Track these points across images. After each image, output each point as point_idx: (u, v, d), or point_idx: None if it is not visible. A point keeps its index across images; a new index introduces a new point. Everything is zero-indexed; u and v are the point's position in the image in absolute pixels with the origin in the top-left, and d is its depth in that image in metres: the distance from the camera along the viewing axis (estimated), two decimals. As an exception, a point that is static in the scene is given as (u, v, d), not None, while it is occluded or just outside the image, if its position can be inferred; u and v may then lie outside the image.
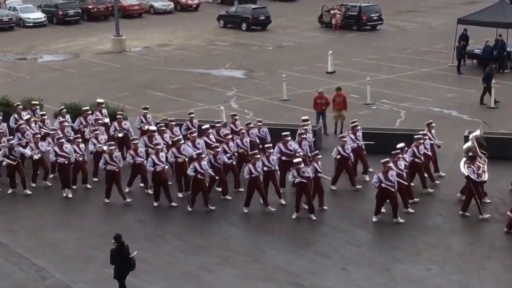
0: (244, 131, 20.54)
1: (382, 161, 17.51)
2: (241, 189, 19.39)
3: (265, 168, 18.44)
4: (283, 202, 18.77)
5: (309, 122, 21.03)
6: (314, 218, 17.88)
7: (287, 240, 17.10)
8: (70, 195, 19.80)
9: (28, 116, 22.38)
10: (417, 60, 34.91)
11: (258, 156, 18.49)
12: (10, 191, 20.27)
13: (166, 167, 19.15)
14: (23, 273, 15.96)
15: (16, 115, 22.61)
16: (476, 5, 44.93)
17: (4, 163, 20.26)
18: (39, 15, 48.95)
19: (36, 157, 20.15)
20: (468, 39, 32.80)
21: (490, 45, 31.59)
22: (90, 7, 50.50)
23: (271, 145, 19.48)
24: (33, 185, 20.52)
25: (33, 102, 23.72)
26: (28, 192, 20.16)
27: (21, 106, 23.11)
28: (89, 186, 20.31)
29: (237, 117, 21.75)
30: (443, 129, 22.54)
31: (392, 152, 18.00)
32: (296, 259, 16.16)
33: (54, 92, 30.23)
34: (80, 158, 20.00)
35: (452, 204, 18.41)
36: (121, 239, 14.24)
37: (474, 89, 28.95)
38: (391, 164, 17.41)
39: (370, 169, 19.93)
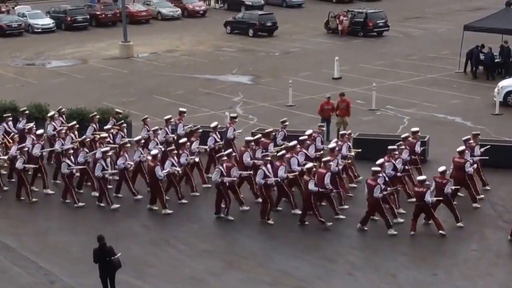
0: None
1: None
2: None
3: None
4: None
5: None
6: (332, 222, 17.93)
7: (292, 245, 17.16)
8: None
9: (109, 125, 21.79)
10: (423, 66, 34.98)
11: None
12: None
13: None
14: (30, 276, 16.08)
15: (94, 125, 22.08)
16: (481, 11, 45.01)
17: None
18: (47, 21, 49.22)
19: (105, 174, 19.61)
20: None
21: (492, 51, 31.66)
22: (98, 13, 50.77)
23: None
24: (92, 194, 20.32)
25: (117, 110, 23.22)
26: (50, 191, 20.40)
27: (98, 116, 22.60)
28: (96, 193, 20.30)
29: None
30: (446, 135, 22.62)
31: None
32: (301, 264, 16.21)
33: (62, 97, 30.37)
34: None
35: (457, 210, 18.43)
36: (103, 240, 14.49)
37: (479, 95, 29.03)
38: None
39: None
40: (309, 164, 17.92)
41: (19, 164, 19.85)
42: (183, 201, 19.50)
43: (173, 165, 19.14)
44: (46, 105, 25.06)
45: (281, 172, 18.13)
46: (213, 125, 21.18)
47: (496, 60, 31.80)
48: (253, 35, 44.70)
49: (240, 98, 30.47)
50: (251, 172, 19.12)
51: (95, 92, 32.13)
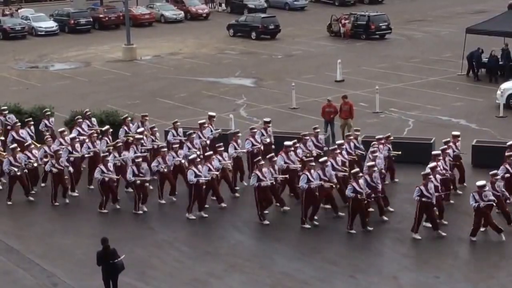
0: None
1: (423, 173, 17.28)
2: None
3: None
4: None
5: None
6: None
7: (294, 247, 17.22)
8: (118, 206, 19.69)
9: (142, 129, 21.56)
10: (425, 68, 35.02)
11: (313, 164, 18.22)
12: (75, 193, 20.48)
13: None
14: (34, 279, 16.14)
15: (125, 127, 21.92)
16: (483, 14, 45.02)
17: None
18: (51, 24, 49.41)
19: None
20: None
21: (496, 54, 31.70)
22: (101, 16, 50.91)
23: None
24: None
25: (143, 114, 22.83)
26: (75, 194, 20.41)
27: (129, 118, 22.45)
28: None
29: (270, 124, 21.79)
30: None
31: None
32: (303, 266, 16.27)
33: (65, 100, 30.50)
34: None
35: (460, 213, 18.45)
36: (106, 242, 14.53)
37: (482, 97, 29.06)
38: (431, 176, 17.18)
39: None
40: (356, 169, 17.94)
41: (48, 167, 19.73)
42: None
43: (210, 170, 18.76)
44: (50, 107, 25.13)
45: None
46: (250, 128, 21.11)
47: (499, 63, 31.84)
48: (256, 38, 44.76)
49: (243, 100, 30.54)
50: (287, 176, 18.94)
51: (99, 94, 32.24)
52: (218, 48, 42.76)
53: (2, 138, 22.71)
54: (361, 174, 17.71)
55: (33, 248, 17.62)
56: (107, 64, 39.18)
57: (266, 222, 18.29)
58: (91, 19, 50.27)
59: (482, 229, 17.21)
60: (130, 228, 18.53)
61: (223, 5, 58.02)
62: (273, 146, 21.04)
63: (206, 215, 18.87)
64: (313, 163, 18.24)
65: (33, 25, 49.04)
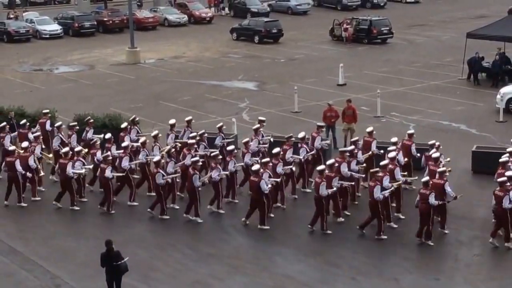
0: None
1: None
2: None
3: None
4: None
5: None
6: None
7: (296, 250, 17.33)
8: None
9: (194, 133, 21.12)
10: (427, 73, 35.16)
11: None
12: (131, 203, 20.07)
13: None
14: (37, 280, 16.24)
15: (174, 133, 21.48)
16: (484, 19, 45.14)
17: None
18: (55, 27, 49.61)
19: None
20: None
21: (498, 59, 31.86)
22: (105, 19, 51.12)
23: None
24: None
25: (187, 119, 22.22)
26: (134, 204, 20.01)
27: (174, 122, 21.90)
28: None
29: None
30: (451, 143, 22.71)
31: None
32: (305, 269, 16.39)
33: (69, 102, 30.68)
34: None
35: (459, 218, 18.54)
36: (111, 244, 14.61)
37: (483, 102, 29.19)
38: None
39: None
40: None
41: (108, 173, 19.39)
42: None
43: (270, 176, 18.32)
44: (54, 111, 25.28)
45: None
46: (301, 135, 20.42)
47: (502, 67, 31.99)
48: (259, 41, 44.94)
49: (246, 104, 30.68)
50: (353, 183, 18.68)
51: (103, 97, 32.40)
52: (221, 51, 42.93)
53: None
54: (381, 174, 17.49)
55: (36, 250, 17.72)
56: (111, 67, 39.36)
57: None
58: (95, 23, 50.49)
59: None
60: (133, 231, 18.65)
61: (226, 9, 58.23)
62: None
63: (223, 212, 19.13)
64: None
65: (38, 28, 49.25)
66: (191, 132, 21.44)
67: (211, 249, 17.51)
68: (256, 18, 48.98)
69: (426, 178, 17.32)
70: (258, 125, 21.62)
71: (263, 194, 18.03)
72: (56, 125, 22.54)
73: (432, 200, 16.83)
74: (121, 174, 19.88)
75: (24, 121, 23.04)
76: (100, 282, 15.15)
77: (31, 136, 21.98)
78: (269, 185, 18.15)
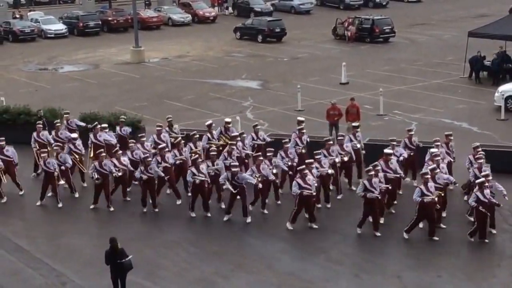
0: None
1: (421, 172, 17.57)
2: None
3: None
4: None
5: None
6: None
7: (300, 248, 17.48)
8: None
9: (236, 133, 21.15)
10: (429, 71, 35.29)
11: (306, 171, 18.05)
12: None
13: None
14: (43, 278, 16.35)
15: (209, 134, 21.35)
16: (485, 18, 45.27)
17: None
18: (60, 27, 49.80)
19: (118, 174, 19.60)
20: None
21: (497, 57, 31.98)
22: (110, 19, 51.30)
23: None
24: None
25: (226, 120, 22.09)
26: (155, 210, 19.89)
27: (214, 124, 21.75)
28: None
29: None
30: (454, 141, 22.74)
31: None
32: (309, 266, 16.52)
33: (74, 101, 30.86)
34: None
35: (461, 215, 18.67)
36: (115, 242, 14.71)
37: (485, 100, 29.31)
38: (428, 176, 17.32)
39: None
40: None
41: (137, 174, 19.32)
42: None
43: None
44: (60, 109, 25.46)
45: None
46: (325, 139, 20.41)
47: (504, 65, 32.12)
48: (262, 41, 45.07)
49: (250, 103, 30.84)
50: (389, 186, 18.41)
51: (107, 96, 32.58)
52: (225, 50, 43.08)
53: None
54: (428, 176, 17.35)
55: (42, 248, 17.85)
56: (115, 67, 39.54)
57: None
58: (100, 22, 50.65)
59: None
60: (138, 228, 18.81)
61: (230, 8, 58.37)
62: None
63: (266, 212, 19.27)
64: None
65: (43, 28, 49.44)
66: (212, 137, 21.28)
67: (216, 247, 17.64)
68: (260, 17, 49.11)
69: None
70: (301, 126, 21.18)
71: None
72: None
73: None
74: (150, 175, 19.37)
75: (57, 121, 23.15)
76: (105, 280, 15.26)
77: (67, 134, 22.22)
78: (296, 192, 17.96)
